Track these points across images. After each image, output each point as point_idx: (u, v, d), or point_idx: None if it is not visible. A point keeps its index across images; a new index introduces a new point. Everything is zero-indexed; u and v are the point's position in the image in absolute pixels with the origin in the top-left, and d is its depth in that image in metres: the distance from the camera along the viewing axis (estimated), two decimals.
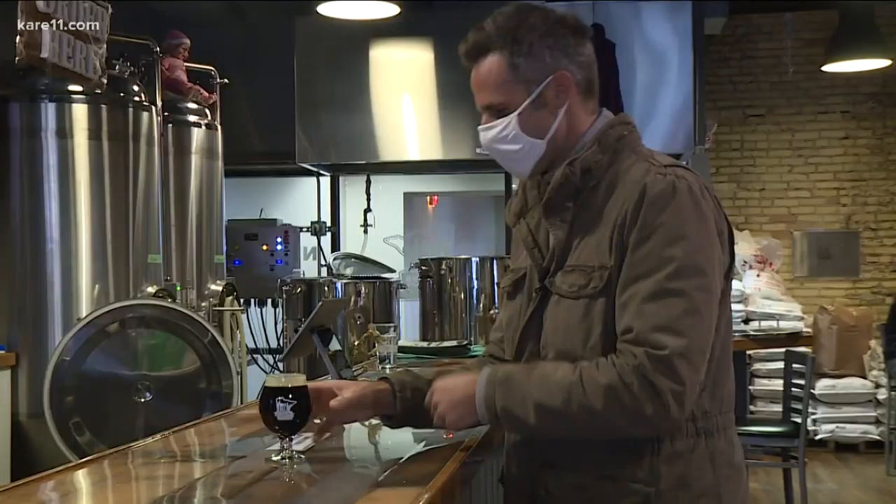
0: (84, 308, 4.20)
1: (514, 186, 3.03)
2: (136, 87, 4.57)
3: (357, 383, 1.87)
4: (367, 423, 2.02)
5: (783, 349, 5.67)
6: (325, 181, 7.24)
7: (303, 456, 1.84)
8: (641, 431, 1.60)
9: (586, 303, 1.64)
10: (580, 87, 1.75)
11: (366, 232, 7.01)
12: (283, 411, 1.74)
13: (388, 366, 3.28)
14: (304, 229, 6.71)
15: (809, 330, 7.34)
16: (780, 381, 5.62)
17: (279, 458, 1.78)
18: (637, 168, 1.68)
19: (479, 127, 1.78)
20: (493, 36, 1.73)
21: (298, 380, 1.78)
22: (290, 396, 1.74)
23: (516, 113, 1.72)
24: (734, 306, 7.61)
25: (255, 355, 6.34)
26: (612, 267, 1.63)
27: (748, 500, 1.76)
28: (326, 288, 4.92)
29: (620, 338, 1.59)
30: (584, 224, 1.69)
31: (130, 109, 4.46)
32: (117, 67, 4.58)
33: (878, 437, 7.46)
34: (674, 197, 1.60)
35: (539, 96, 1.72)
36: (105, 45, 4.32)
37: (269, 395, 1.75)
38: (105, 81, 4.32)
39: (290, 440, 1.79)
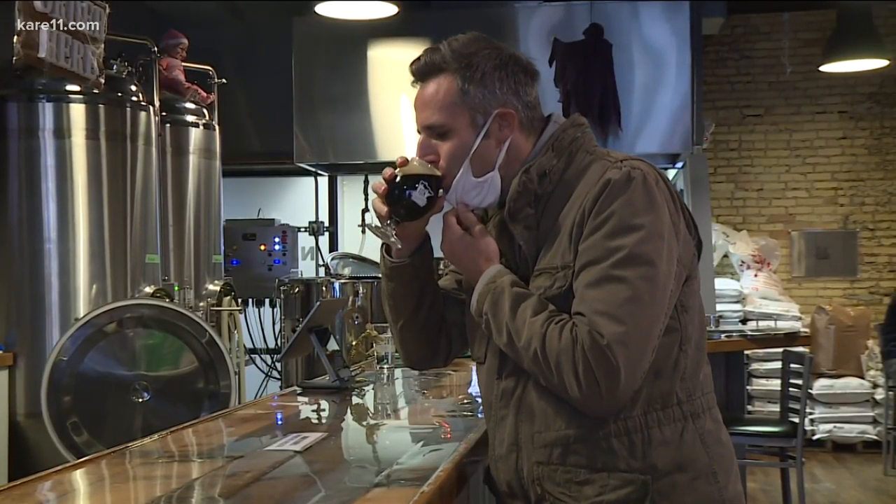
0: (82, 308, 4.19)
1: None
2: (133, 87, 4.57)
3: None
4: (366, 418, 2.02)
5: (781, 349, 5.67)
6: (323, 181, 7.24)
7: (300, 452, 1.84)
8: (577, 406, 1.63)
9: (557, 302, 1.66)
10: (523, 124, 1.78)
11: (364, 232, 7.00)
12: (421, 195, 1.74)
13: (386, 366, 3.29)
14: (302, 229, 6.71)
15: (807, 330, 7.35)
16: (778, 381, 5.61)
17: (378, 225, 1.78)
18: (595, 167, 1.71)
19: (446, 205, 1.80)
20: (448, 58, 1.75)
21: (436, 172, 1.77)
22: (432, 184, 1.74)
23: (468, 158, 1.74)
24: (732, 306, 7.70)
25: (252, 355, 6.34)
26: (574, 265, 1.66)
27: (739, 475, 1.77)
28: (324, 288, 4.92)
29: (573, 317, 1.62)
30: (547, 228, 1.73)
31: (128, 109, 4.46)
32: (115, 67, 4.57)
33: (875, 437, 7.47)
34: (627, 187, 1.63)
35: (484, 128, 1.74)
36: (103, 45, 4.32)
37: (413, 179, 1.74)
38: (103, 81, 4.32)
39: (398, 225, 1.78)
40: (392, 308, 1.93)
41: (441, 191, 1.77)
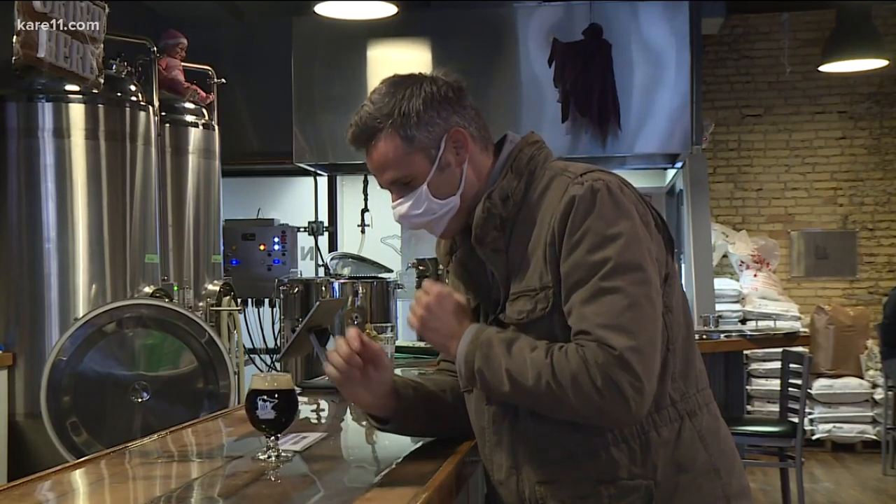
0: (81, 308, 4.19)
1: None
2: (133, 87, 4.56)
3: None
4: (361, 423, 2.03)
5: (780, 349, 5.68)
6: (323, 181, 7.25)
7: (290, 455, 1.85)
8: (604, 423, 1.62)
9: (539, 325, 1.66)
10: (475, 137, 1.77)
11: (363, 232, 7.01)
12: (265, 410, 1.77)
13: None
14: (302, 229, 6.70)
15: (806, 330, 7.35)
16: (778, 381, 5.62)
17: (265, 456, 1.80)
18: (555, 184, 1.70)
19: (392, 205, 1.80)
20: (378, 117, 1.74)
21: (282, 380, 1.82)
22: (272, 396, 1.78)
23: (424, 185, 1.74)
24: (731, 306, 7.70)
25: (252, 355, 6.33)
26: (553, 284, 1.65)
27: (743, 469, 1.77)
28: (324, 288, 4.92)
29: (573, 339, 1.60)
30: (516, 250, 1.71)
31: (127, 109, 4.45)
32: (114, 67, 4.57)
33: (874, 437, 7.47)
34: (594, 200, 1.62)
35: (441, 160, 1.74)
36: (102, 45, 4.32)
37: (252, 395, 1.80)
38: (102, 81, 4.32)
39: (276, 438, 1.81)
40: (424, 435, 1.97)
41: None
